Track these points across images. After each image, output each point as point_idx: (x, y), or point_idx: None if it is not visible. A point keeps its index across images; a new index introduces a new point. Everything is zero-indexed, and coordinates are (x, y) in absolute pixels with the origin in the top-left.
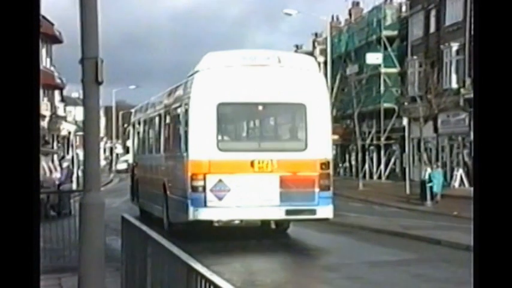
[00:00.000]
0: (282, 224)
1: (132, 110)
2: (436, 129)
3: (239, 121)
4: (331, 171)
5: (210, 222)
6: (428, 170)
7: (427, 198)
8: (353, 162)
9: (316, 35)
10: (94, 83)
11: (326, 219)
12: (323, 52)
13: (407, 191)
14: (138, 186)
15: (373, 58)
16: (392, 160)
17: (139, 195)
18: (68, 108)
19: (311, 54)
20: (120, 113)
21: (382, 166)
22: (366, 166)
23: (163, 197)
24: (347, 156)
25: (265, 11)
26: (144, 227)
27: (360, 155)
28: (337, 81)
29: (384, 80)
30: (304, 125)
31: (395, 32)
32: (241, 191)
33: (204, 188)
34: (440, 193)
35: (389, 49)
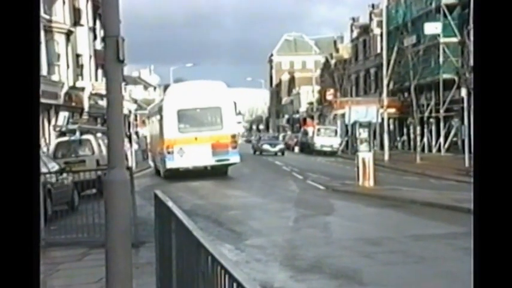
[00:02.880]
0: (218, 169)
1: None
2: None
3: (189, 117)
4: (236, 139)
5: (177, 168)
6: None
7: None
8: (411, 136)
9: (373, 6)
10: (116, 61)
11: (235, 163)
12: (380, 24)
13: (467, 164)
14: (151, 154)
15: (432, 28)
16: (453, 132)
17: (152, 159)
18: (128, 87)
19: (367, 26)
20: None
21: (441, 139)
22: (425, 139)
23: (158, 158)
24: (405, 129)
25: None
26: (170, 203)
27: (418, 128)
28: (394, 54)
29: (443, 50)
30: (221, 117)
31: (456, 0)
32: (192, 152)
33: (173, 152)
34: None
35: (449, 18)
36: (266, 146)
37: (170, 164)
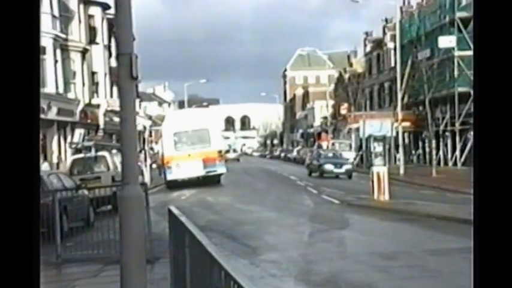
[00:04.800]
0: (210, 179)
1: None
2: None
3: (183, 138)
4: (222, 153)
5: (176, 180)
6: None
7: None
8: (427, 149)
9: (386, 20)
10: (129, 78)
11: (222, 174)
12: (393, 38)
13: None
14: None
15: (446, 41)
16: (469, 146)
17: (161, 172)
18: (143, 103)
19: (381, 40)
20: (193, 107)
21: (457, 152)
22: (441, 153)
23: (162, 171)
24: (420, 143)
25: None
26: (184, 219)
27: (433, 141)
28: (408, 67)
29: (458, 64)
30: (209, 137)
31: (470, 13)
32: (186, 166)
33: (171, 166)
34: None
35: (463, 31)
36: (329, 166)
37: (170, 176)
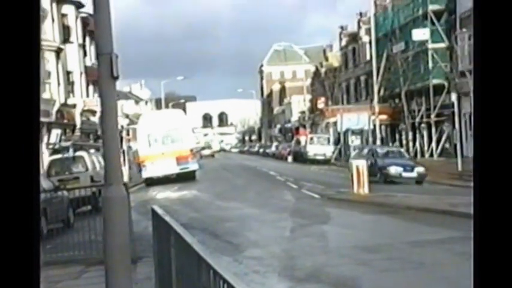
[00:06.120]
0: (184, 176)
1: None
2: None
3: (157, 138)
4: (194, 151)
5: (151, 177)
6: None
7: None
8: (403, 141)
9: (361, 14)
10: (110, 78)
11: (195, 170)
12: (368, 32)
13: (460, 168)
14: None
15: (420, 34)
16: (444, 137)
17: (139, 170)
18: (119, 102)
19: (356, 34)
20: (170, 104)
21: (433, 144)
22: (417, 144)
23: (140, 169)
24: (397, 135)
25: None
26: (168, 218)
27: (410, 133)
28: (383, 61)
29: (432, 56)
30: (181, 136)
31: (443, 6)
32: (160, 164)
33: (146, 165)
34: None
35: (436, 24)
36: (396, 170)
37: (145, 174)
